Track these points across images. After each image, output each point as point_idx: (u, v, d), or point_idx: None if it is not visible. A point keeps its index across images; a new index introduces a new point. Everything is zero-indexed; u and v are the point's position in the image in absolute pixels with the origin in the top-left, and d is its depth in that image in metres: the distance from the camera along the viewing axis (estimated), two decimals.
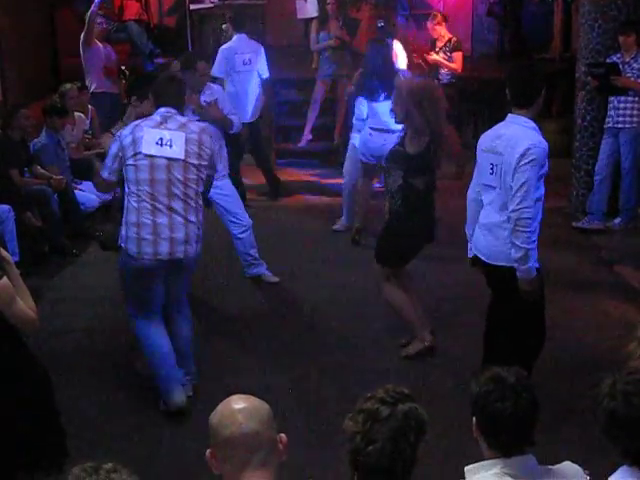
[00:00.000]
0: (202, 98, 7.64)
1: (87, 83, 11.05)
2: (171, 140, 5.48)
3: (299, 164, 12.51)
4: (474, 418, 3.13)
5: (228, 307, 7.65)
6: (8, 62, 11.46)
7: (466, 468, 3.13)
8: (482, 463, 3.11)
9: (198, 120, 6.66)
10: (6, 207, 7.95)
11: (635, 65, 9.01)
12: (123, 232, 5.54)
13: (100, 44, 11.24)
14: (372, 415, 2.80)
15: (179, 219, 5.48)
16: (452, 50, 11.83)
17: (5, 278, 3.81)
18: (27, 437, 4.01)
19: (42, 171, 9.03)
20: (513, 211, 5.15)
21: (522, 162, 5.11)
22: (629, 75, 8.99)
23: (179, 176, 5.47)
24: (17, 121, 8.79)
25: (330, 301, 7.70)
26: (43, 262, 8.60)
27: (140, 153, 5.45)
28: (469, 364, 6.20)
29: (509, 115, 5.34)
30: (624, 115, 9.09)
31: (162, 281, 5.65)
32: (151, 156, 5.45)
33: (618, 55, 9.13)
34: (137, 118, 6.17)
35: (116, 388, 6.18)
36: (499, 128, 5.34)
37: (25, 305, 3.92)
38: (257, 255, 8.05)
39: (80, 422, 5.51)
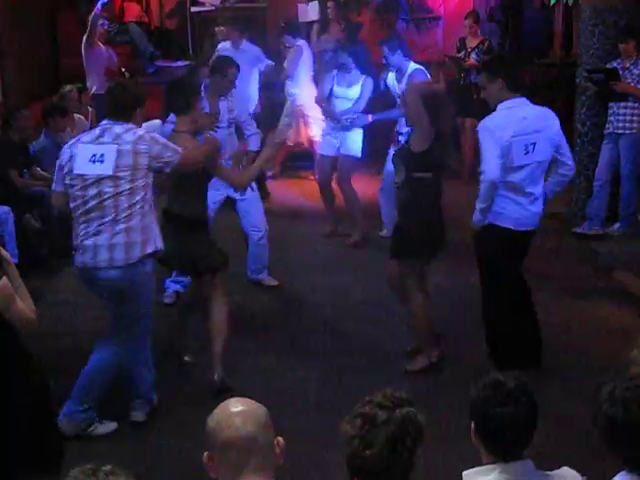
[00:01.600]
0: (222, 104, 7.67)
1: (88, 85, 11.06)
2: (103, 155, 5.40)
3: (301, 167, 12.50)
4: (472, 423, 3.13)
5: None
6: (9, 63, 11.48)
7: (464, 473, 3.13)
8: (480, 468, 3.11)
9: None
10: (6, 208, 7.96)
11: (635, 71, 9.02)
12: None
13: (102, 46, 11.26)
14: (370, 419, 2.80)
15: (107, 229, 5.38)
16: (485, 53, 11.68)
17: (5, 278, 3.81)
18: (25, 438, 4.00)
19: (42, 173, 9.02)
20: (571, 167, 6.31)
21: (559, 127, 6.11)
22: (629, 81, 9.00)
23: (110, 190, 5.37)
24: (17, 122, 8.79)
25: (331, 304, 7.71)
26: (42, 264, 8.59)
27: (72, 172, 5.45)
28: (468, 368, 6.22)
29: (513, 100, 6.03)
30: (624, 121, 9.09)
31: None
32: (82, 176, 5.41)
33: (618, 61, 9.14)
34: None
35: (114, 390, 6.17)
36: (514, 113, 6.00)
37: (25, 306, 3.92)
38: (267, 262, 8.13)
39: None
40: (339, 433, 2.88)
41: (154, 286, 5.81)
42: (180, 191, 6.10)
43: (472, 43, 11.87)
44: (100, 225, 5.38)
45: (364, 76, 9.30)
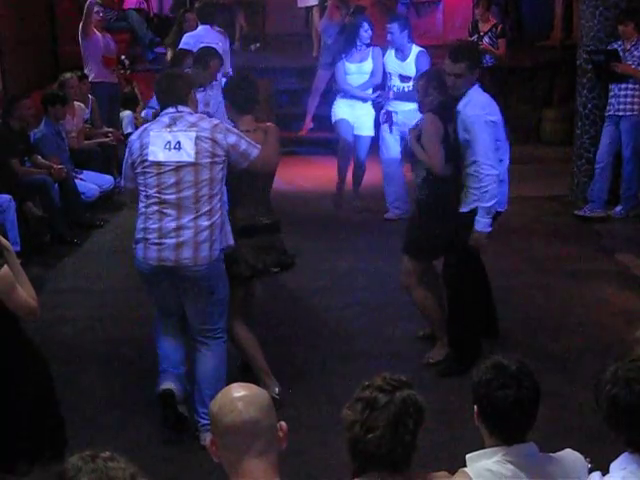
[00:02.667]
0: (200, 95, 7.47)
1: (86, 72, 11.04)
2: (179, 142, 5.11)
3: (300, 152, 12.49)
4: (475, 406, 3.13)
5: None
6: (8, 51, 11.46)
7: (467, 456, 3.13)
8: (484, 451, 3.11)
9: None
10: (7, 197, 7.95)
11: (636, 53, 9.00)
12: (135, 235, 5.26)
13: (99, 33, 11.23)
14: (370, 403, 2.80)
15: (189, 224, 5.09)
16: (498, 36, 11.75)
17: (5, 266, 3.81)
18: (27, 426, 4.01)
19: (42, 161, 9.02)
20: None
21: None
22: (629, 63, 8.99)
23: (190, 178, 5.08)
24: (18, 111, 8.78)
25: (332, 288, 7.70)
26: (44, 252, 8.60)
27: (147, 160, 5.13)
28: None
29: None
30: (625, 103, 9.08)
31: (171, 290, 5.27)
32: (158, 163, 5.11)
33: (619, 43, 9.12)
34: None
35: (117, 377, 6.19)
36: (488, 97, 5.97)
37: (26, 293, 3.92)
38: None
39: (80, 411, 5.52)
40: (341, 419, 2.88)
41: None
42: (250, 197, 5.68)
43: (484, 27, 11.86)
44: (180, 219, 5.07)
45: (371, 47, 9.31)
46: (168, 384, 5.31)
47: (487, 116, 5.82)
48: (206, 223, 5.08)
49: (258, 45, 14.42)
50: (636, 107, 9.05)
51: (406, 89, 8.87)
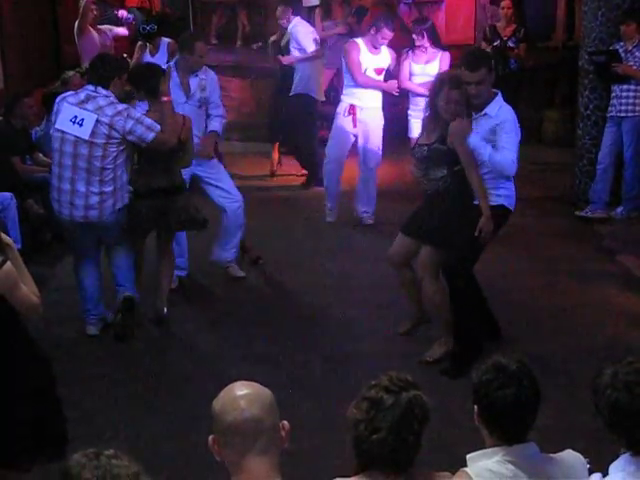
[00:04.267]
0: (193, 81, 7.54)
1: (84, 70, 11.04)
2: (82, 120, 6.28)
3: None
4: (475, 406, 3.13)
5: (231, 295, 7.67)
6: (10, 49, 11.45)
7: (468, 456, 3.13)
8: (484, 451, 3.11)
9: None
10: (8, 195, 7.95)
11: (637, 54, 9.00)
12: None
13: (94, 31, 11.23)
14: (376, 403, 2.81)
15: (81, 189, 6.34)
16: (521, 40, 11.33)
17: (8, 263, 3.81)
18: (28, 423, 4.01)
19: (44, 159, 9.01)
20: None
21: None
22: (631, 64, 8.99)
23: (84, 152, 6.29)
24: (19, 109, 8.78)
25: (332, 289, 7.71)
26: (45, 250, 8.60)
27: (55, 126, 6.39)
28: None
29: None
30: (627, 104, 9.07)
31: (82, 234, 6.61)
32: (62, 131, 6.33)
33: (621, 44, 9.12)
34: None
35: (118, 376, 6.20)
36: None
37: (28, 291, 3.92)
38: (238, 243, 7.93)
39: (81, 409, 5.53)
40: (343, 418, 2.88)
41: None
42: (150, 164, 6.68)
43: (507, 31, 11.40)
44: (74, 184, 6.35)
45: (440, 51, 9.21)
46: (92, 329, 6.80)
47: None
48: (96, 190, 6.34)
49: (260, 44, 14.41)
50: (638, 108, 9.04)
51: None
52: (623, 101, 9.09)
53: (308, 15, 12.41)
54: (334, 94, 12.20)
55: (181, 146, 6.68)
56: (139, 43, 10.13)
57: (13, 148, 8.67)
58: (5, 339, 3.95)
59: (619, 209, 9.32)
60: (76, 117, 6.28)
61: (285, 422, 2.84)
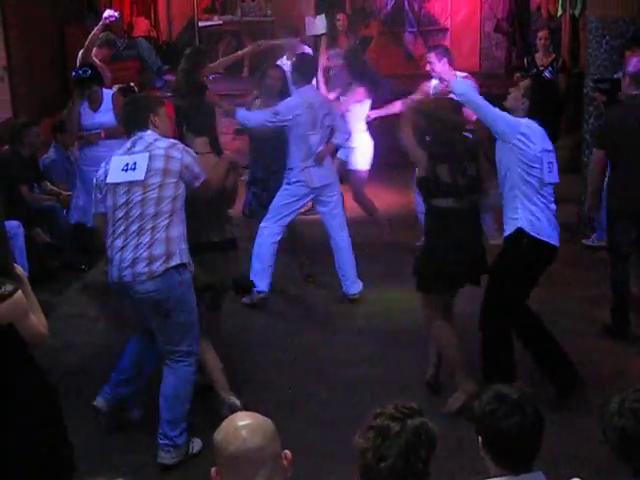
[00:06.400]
0: None
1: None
2: (135, 163, 5.38)
3: None
4: (480, 437, 3.13)
5: (231, 321, 7.68)
6: (19, 78, 11.52)
7: None
8: None
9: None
10: (15, 223, 7.98)
11: None
12: None
13: (97, 62, 11.27)
14: (382, 431, 2.81)
15: (132, 241, 5.30)
16: (559, 71, 11.12)
17: (20, 291, 3.84)
18: (35, 451, 4.01)
19: (51, 187, 9.07)
20: None
21: None
22: None
23: (138, 197, 5.32)
24: (27, 138, 8.82)
25: (340, 314, 7.72)
26: (52, 278, 8.61)
27: (108, 184, 5.43)
28: (478, 379, 6.22)
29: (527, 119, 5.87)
30: None
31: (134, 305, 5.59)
32: (115, 184, 5.39)
33: None
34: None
35: (123, 404, 6.19)
36: (538, 130, 5.90)
37: (37, 320, 3.95)
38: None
39: (87, 437, 5.53)
40: (348, 446, 2.88)
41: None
42: (199, 218, 5.83)
43: (543, 60, 11.26)
44: (127, 237, 5.29)
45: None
46: (99, 402, 5.77)
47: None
48: (147, 240, 5.26)
49: None
50: None
51: None
52: None
53: (314, 43, 12.49)
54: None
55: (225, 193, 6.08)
56: (75, 92, 8.77)
57: (21, 176, 8.72)
58: (14, 367, 3.96)
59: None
60: (128, 164, 5.39)
61: (287, 452, 2.85)
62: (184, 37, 14.86)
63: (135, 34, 14.50)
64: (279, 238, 7.91)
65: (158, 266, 5.23)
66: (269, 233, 7.84)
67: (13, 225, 7.95)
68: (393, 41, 15.00)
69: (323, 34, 12.52)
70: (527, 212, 5.81)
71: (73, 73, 8.88)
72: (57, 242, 8.78)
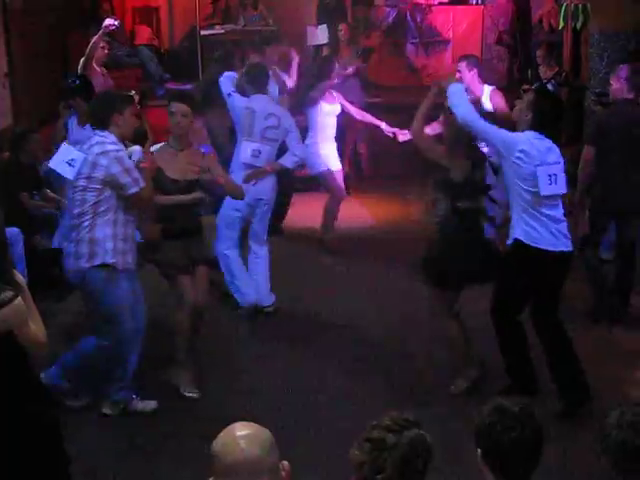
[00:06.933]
0: None
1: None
2: (74, 160, 5.83)
3: (307, 189, 12.48)
4: (479, 450, 3.12)
5: (230, 332, 7.67)
6: (20, 85, 11.54)
7: None
8: None
9: None
10: (15, 230, 7.97)
11: None
12: None
13: (98, 69, 11.28)
14: (378, 444, 2.80)
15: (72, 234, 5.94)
16: (562, 84, 10.98)
17: (19, 299, 3.83)
18: (30, 461, 3.99)
19: (51, 194, 9.05)
20: None
21: None
22: None
23: (70, 194, 6.03)
24: (28, 145, 8.82)
25: (338, 324, 7.72)
26: (52, 286, 8.58)
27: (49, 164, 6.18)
28: (477, 387, 6.23)
29: (531, 132, 5.92)
30: None
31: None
32: (60, 175, 6.05)
33: None
34: None
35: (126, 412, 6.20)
36: (539, 144, 5.91)
37: (36, 329, 3.94)
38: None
39: (85, 448, 5.52)
40: (344, 457, 2.87)
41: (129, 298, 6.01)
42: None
43: (546, 74, 11.08)
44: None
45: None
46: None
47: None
48: (75, 236, 5.87)
49: None
50: None
51: None
52: None
53: (314, 54, 12.50)
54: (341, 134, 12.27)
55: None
56: (62, 103, 8.79)
57: (21, 184, 8.71)
58: (14, 376, 3.95)
59: None
60: (74, 160, 5.85)
61: (285, 462, 2.83)
62: (186, 46, 14.86)
63: (137, 42, 14.52)
64: (237, 250, 8.04)
65: (83, 263, 5.85)
66: (229, 254, 7.96)
67: (13, 232, 7.94)
68: (395, 52, 15.01)
69: (325, 44, 12.53)
70: (522, 222, 5.97)
71: (64, 83, 8.90)
72: (57, 249, 8.76)
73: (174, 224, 6.37)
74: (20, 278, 4.01)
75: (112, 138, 5.87)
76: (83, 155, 5.80)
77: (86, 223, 5.81)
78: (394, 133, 9.15)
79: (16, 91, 11.46)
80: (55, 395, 5.57)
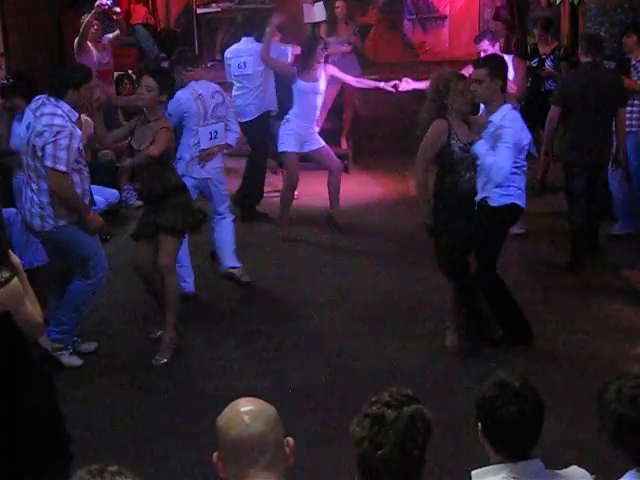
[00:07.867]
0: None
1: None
2: (29, 124, 6.15)
3: (306, 167, 12.45)
4: (479, 424, 3.12)
5: (231, 311, 7.67)
6: (15, 64, 11.49)
7: (473, 472, 3.12)
8: (489, 468, 3.10)
9: None
10: (13, 210, 7.96)
11: None
12: None
13: (93, 48, 11.24)
14: (378, 419, 2.80)
15: (28, 194, 6.28)
16: (562, 59, 10.90)
17: (16, 279, 3.83)
18: (31, 441, 4.00)
19: None
20: None
21: None
22: (635, 78, 8.97)
23: (24, 159, 6.27)
24: None
25: (332, 304, 7.71)
26: (49, 266, 8.58)
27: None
28: (475, 362, 6.24)
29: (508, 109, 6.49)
30: (631, 119, 9.03)
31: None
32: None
33: (626, 58, 9.12)
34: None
35: (122, 392, 6.20)
36: (515, 123, 6.46)
37: (32, 309, 3.94)
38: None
39: (86, 426, 5.53)
40: (346, 433, 2.87)
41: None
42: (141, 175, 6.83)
43: (545, 50, 11.01)
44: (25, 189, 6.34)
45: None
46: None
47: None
48: (30, 196, 6.24)
49: None
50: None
51: None
52: (627, 116, 9.06)
53: (312, 31, 12.44)
54: (339, 111, 12.27)
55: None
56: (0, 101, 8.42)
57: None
58: (11, 356, 3.95)
59: (619, 224, 9.25)
60: (30, 124, 6.16)
61: (290, 439, 2.84)
62: (182, 24, 14.80)
63: (133, 21, 14.43)
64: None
65: (37, 223, 6.24)
66: None
67: (11, 212, 7.93)
68: (392, 29, 14.95)
69: (322, 21, 12.48)
70: (519, 188, 6.58)
71: None
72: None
73: (142, 190, 6.93)
74: (16, 259, 4.01)
75: (65, 108, 6.14)
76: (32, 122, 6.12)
77: (34, 187, 6.20)
78: (395, 85, 9.32)
79: (12, 69, 11.40)
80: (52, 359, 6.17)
